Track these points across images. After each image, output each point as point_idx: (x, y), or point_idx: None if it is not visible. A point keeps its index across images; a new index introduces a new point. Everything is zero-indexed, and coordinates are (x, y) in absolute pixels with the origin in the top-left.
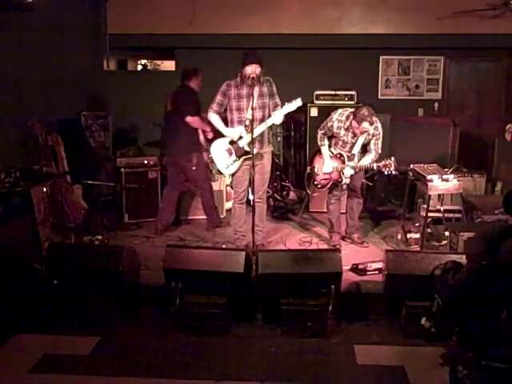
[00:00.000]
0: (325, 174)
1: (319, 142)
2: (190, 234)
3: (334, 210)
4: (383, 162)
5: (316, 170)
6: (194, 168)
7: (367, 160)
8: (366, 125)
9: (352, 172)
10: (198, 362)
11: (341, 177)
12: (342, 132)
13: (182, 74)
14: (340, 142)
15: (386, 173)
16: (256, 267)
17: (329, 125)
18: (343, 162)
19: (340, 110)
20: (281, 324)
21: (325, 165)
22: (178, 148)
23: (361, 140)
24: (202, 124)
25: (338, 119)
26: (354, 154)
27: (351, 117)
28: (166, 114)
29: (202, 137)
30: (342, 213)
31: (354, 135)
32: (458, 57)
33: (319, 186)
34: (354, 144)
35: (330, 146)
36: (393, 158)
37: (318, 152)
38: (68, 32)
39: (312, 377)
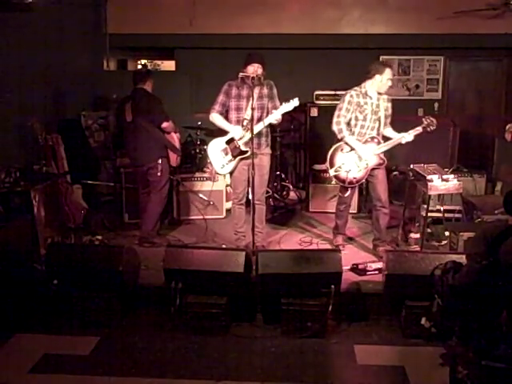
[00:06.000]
0: (359, 166)
1: (343, 133)
2: (190, 233)
3: (342, 216)
4: (425, 122)
5: (342, 167)
6: (159, 174)
7: (399, 135)
8: (388, 71)
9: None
10: (198, 361)
11: (382, 159)
12: (362, 101)
13: (136, 77)
14: (361, 130)
15: (428, 130)
16: (256, 267)
17: (345, 106)
18: (378, 144)
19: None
20: (281, 324)
21: (362, 154)
22: (144, 155)
23: (382, 114)
24: (175, 126)
25: (351, 93)
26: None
27: (365, 81)
28: (126, 124)
29: (175, 137)
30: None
31: (377, 106)
32: (458, 57)
33: (355, 182)
34: (376, 120)
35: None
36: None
37: (337, 149)
38: (68, 32)
39: (312, 377)
